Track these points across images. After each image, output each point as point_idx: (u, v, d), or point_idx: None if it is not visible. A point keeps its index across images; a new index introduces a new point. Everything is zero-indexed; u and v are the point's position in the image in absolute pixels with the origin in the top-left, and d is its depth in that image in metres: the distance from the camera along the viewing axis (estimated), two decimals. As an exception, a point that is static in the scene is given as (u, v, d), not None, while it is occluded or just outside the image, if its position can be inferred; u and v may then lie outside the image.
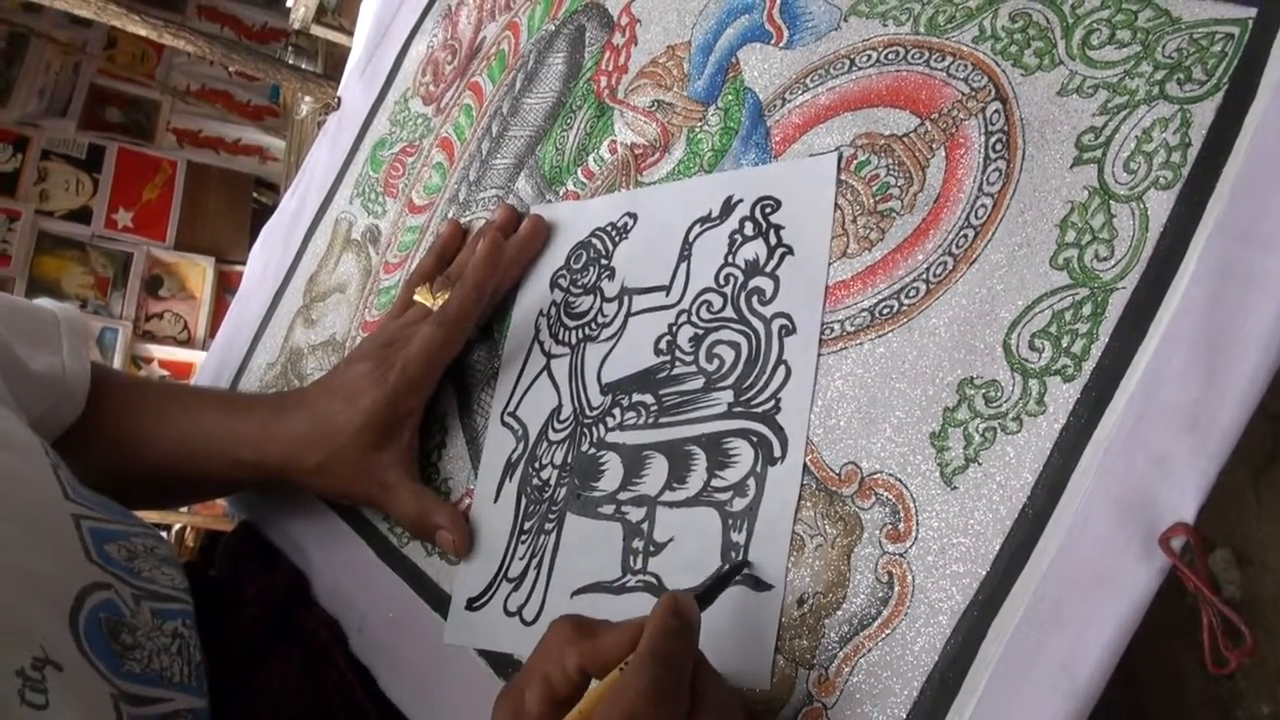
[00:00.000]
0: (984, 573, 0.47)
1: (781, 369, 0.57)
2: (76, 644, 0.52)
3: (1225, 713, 0.65)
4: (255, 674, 0.67)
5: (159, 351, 2.83)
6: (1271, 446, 0.69)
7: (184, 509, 2.69)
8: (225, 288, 2.94)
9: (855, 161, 0.58)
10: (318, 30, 2.32)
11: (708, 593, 0.52)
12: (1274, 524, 0.67)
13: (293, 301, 0.90)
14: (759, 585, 0.53)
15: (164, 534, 2.65)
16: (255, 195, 3.17)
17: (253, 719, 0.65)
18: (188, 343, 2.88)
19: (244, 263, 1.00)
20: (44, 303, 0.75)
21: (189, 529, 2.59)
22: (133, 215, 2.96)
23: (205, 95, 3.23)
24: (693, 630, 0.47)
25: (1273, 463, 0.68)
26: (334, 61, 2.79)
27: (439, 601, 0.68)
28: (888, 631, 0.49)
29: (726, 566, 0.55)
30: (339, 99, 0.98)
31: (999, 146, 0.54)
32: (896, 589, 0.49)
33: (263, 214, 3.01)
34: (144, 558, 0.63)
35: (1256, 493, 0.68)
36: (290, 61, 2.56)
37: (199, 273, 2.98)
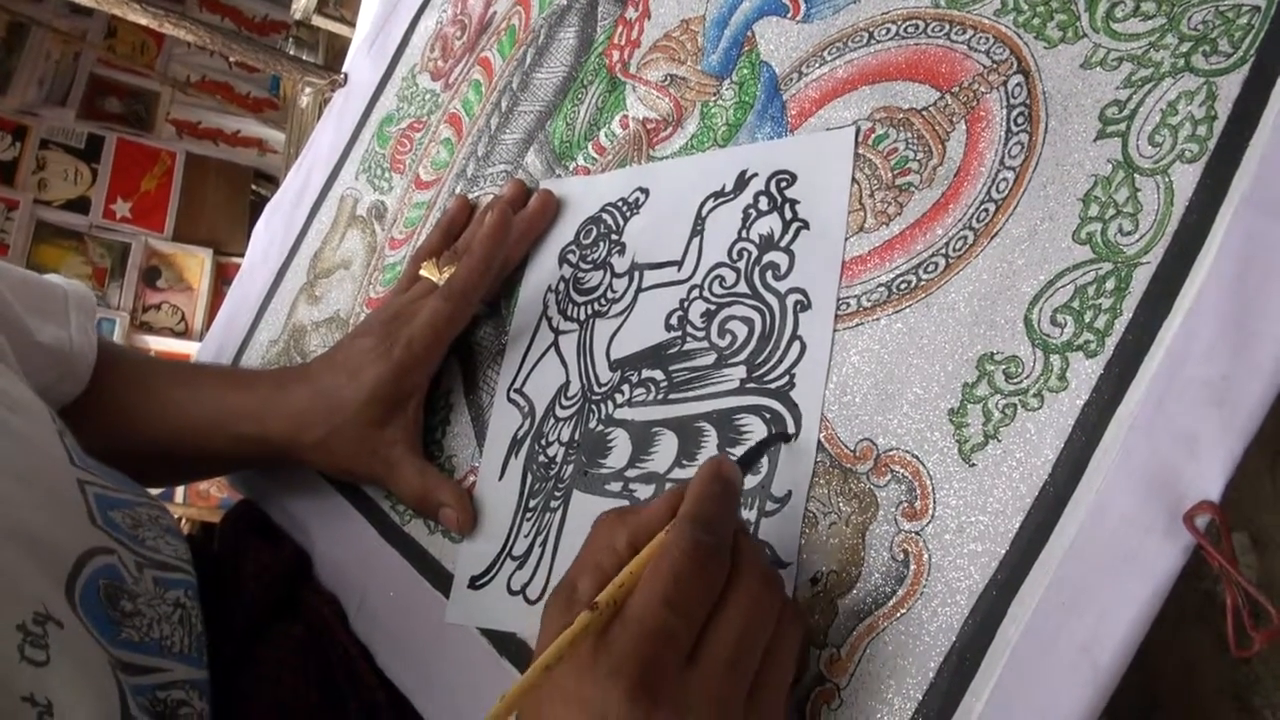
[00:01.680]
0: (1003, 552, 0.46)
1: (796, 345, 0.56)
2: (72, 609, 0.52)
3: (1240, 698, 0.64)
4: (256, 648, 0.66)
5: (156, 343, 2.82)
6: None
7: (179, 500, 2.69)
8: (223, 279, 2.93)
9: (873, 135, 0.57)
10: (319, 21, 2.31)
11: (748, 456, 0.51)
12: (1290, 511, 0.66)
13: (296, 278, 0.89)
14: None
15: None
16: (254, 187, 3.15)
17: (253, 692, 0.64)
18: (185, 334, 2.86)
19: (242, 255, 0.99)
20: (53, 278, 0.75)
21: (183, 520, 2.58)
22: (131, 205, 2.95)
23: (205, 86, 3.22)
24: (734, 493, 0.47)
25: (1291, 446, 0.67)
26: (335, 53, 2.77)
27: (441, 580, 0.67)
28: (903, 611, 0.48)
29: (770, 432, 0.55)
30: (345, 75, 0.97)
31: (1021, 120, 0.53)
32: (912, 568, 0.48)
33: (261, 206, 2.98)
34: (148, 526, 0.62)
35: (1274, 477, 0.67)
36: (291, 53, 2.54)
37: (197, 264, 2.96)
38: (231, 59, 3.10)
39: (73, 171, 2.92)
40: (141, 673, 0.54)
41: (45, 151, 2.90)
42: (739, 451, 0.55)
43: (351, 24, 2.10)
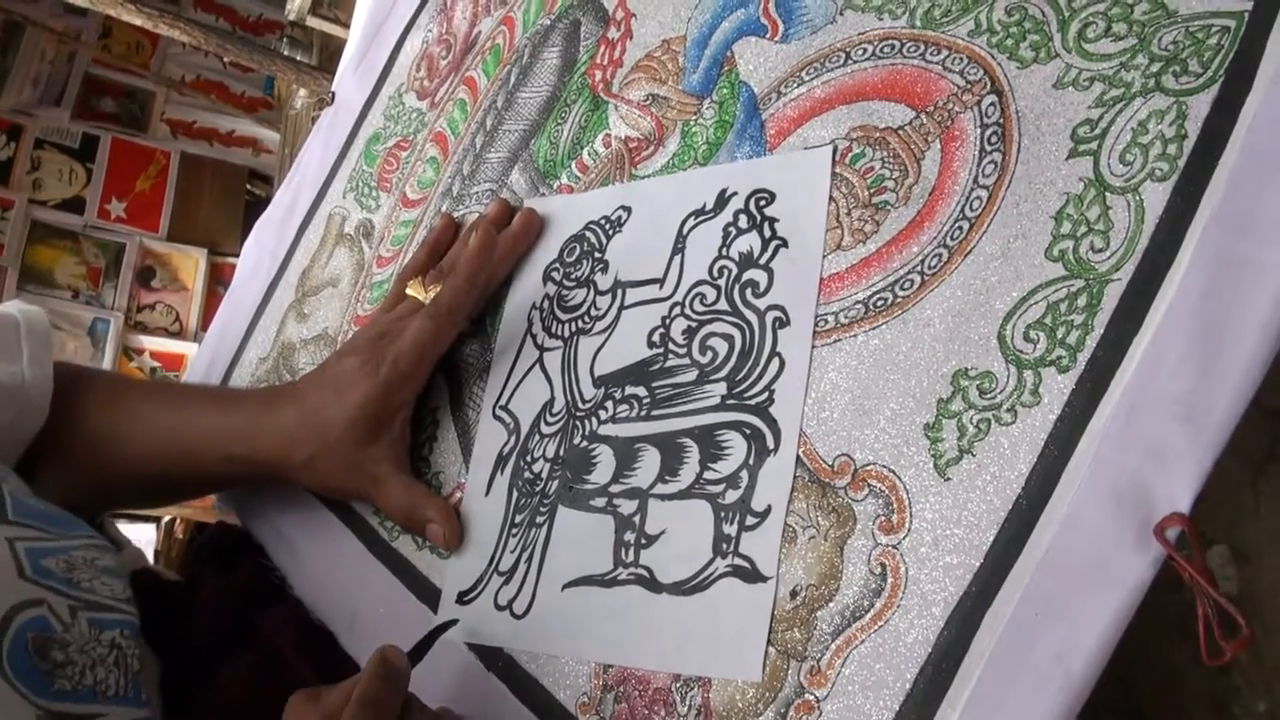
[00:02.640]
0: (977, 564, 0.47)
1: (775, 361, 0.56)
2: None
3: (1221, 709, 0.65)
4: (203, 682, 0.67)
5: (150, 343, 2.82)
6: (1270, 444, 0.68)
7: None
8: (217, 279, 2.93)
9: (850, 154, 0.58)
10: (313, 22, 2.32)
11: (417, 648, 0.59)
12: (1272, 521, 0.67)
13: (285, 296, 0.90)
14: (752, 575, 0.53)
15: (152, 526, 2.64)
16: (249, 187, 3.16)
17: None
18: (179, 334, 2.86)
19: (237, 255, 1.00)
20: (7, 307, 0.74)
21: (178, 520, 2.58)
22: (126, 205, 2.95)
23: (200, 86, 3.22)
24: (400, 677, 0.55)
25: (1271, 460, 0.68)
26: (329, 54, 2.78)
27: (429, 595, 0.67)
28: (881, 623, 0.49)
29: (437, 624, 0.62)
30: (333, 94, 0.97)
31: (994, 139, 0.53)
32: (890, 581, 0.49)
33: (256, 206, 3.00)
34: (84, 569, 0.62)
35: (1255, 490, 0.67)
36: (285, 53, 2.55)
37: (191, 264, 2.97)
38: (226, 59, 3.10)
39: (67, 171, 2.92)
40: None
41: (40, 151, 2.90)
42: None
43: (345, 25, 2.10)
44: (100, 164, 2.96)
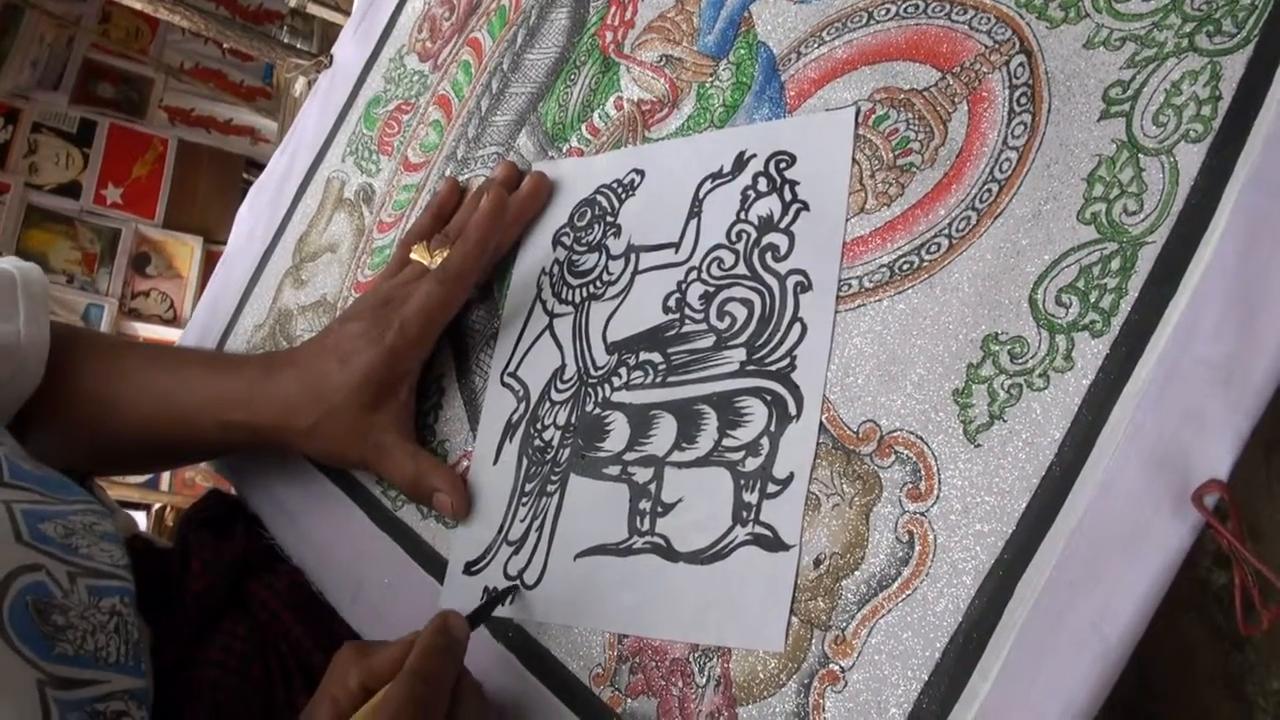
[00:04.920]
0: (1010, 531, 0.46)
1: (797, 326, 0.55)
2: (0, 631, 0.51)
3: (1233, 686, 0.65)
4: (197, 650, 0.66)
5: (144, 330, 2.80)
6: (1286, 423, 0.68)
7: (165, 489, 2.67)
8: (213, 268, 2.91)
9: (874, 116, 0.57)
10: (314, 9, 2.29)
11: (478, 613, 0.57)
12: (1284, 497, 0.67)
13: (281, 262, 0.88)
14: (773, 544, 0.52)
15: (142, 514, 2.63)
16: (245, 176, 3.14)
17: (194, 695, 0.63)
18: (174, 321, 2.85)
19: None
20: (4, 263, 0.72)
21: (168, 509, 2.56)
22: (122, 191, 2.93)
23: (199, 74, 3.19)
24: (457, 648, 0.53)
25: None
26: (329, 42, 2.75)
27: (435, 566, 0.66)
28: (908, 592, 0.48)
29: (499, 589, 0.60)
30: (331, 57, 0.95)
31: (1024, 100, 0.52)
32: (917, 549, 0.48)
33: (253, 196, 2.96)
34: (82, 534, 0.61)
35: (1269, 467, 0.67)
36: (285, 41, 2.52)
37: (187, 252, 2.95)
38: (225, 46, 3.07)
39: (64, 156, 2.90)
40: (79, 686, 0.54)
41: (37, 135, 2.88)
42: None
43: (346, 11, 2.08)
44: (97, 149, 2.94)
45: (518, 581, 0.60)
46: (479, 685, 0.55)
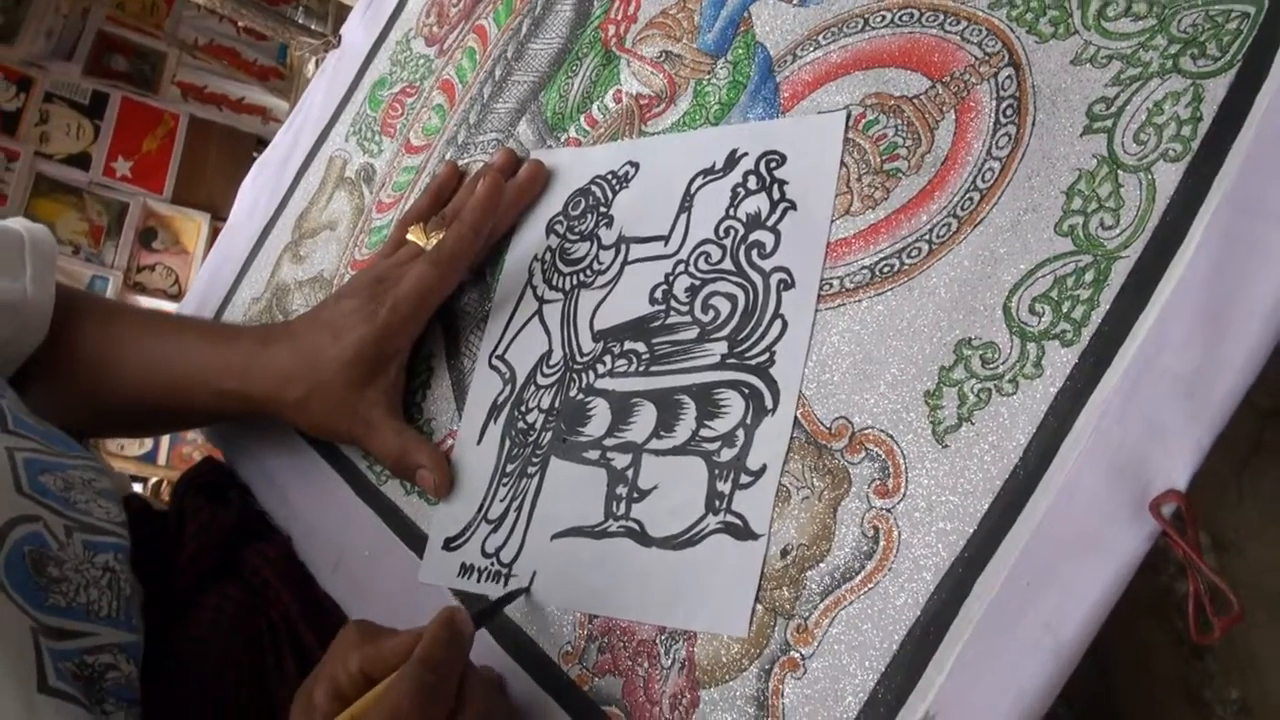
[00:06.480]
0: (971, 531, 0.47)
1: (778, 322, 0.57)
2: None
3: (1192, 693, 0.66)
4: (189, 611, 0.67)
5: (148, 304, 2.80)
6: (1256, 440, 0.69)
7: (162, 463, 2.68)
8: (219, 244, 2.92)
9: (864, 120, 0.58)
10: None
11: (484, 612, 0.57)
12: (1253, 514, 0.68)
13: (281, 237, 0.89)
14: (743, 533, 0.53)
15: (139, 486, 2.64)
16: (255, 155, 3.13)
17: (182, 654, 0.64)
18: (178, 297, 2.85)
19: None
20: (12, 222, 0.73)
21: (164, 483, 2.57)
22: (132, 165, 2.93)
23: (212, 51, 3.19)
24: (462, 642, 0.52)
25: (1256, 455, 0.68)
26: (343, 25, 2.77)
27: (415, 540, 0.67)
28: (870, 586, 0.49)
29: (509, 590, 0.60)
30: (339, 37, 0.97)
31: (1010, 112, 0.53)
32: (882, 544, 0.49)
33: (263, 176, 2.97)
34: (80, 489, 0.62)
35: (1239, 483, 0.68)
36: (300, 21, 2.53)
37: (194, 228, 2.95)
38: (240, 24, 3.07)
39: (75, 127, 2.89)
40: (69, 637, 0.55)
41: (49, 105, 2.87)
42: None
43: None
44: (109, 121, 2.93)
45: (528, 588, 0.60)
46: (494, 681, 0.57)
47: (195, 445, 2.67)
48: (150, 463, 2.69)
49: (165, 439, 2.70)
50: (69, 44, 2.97)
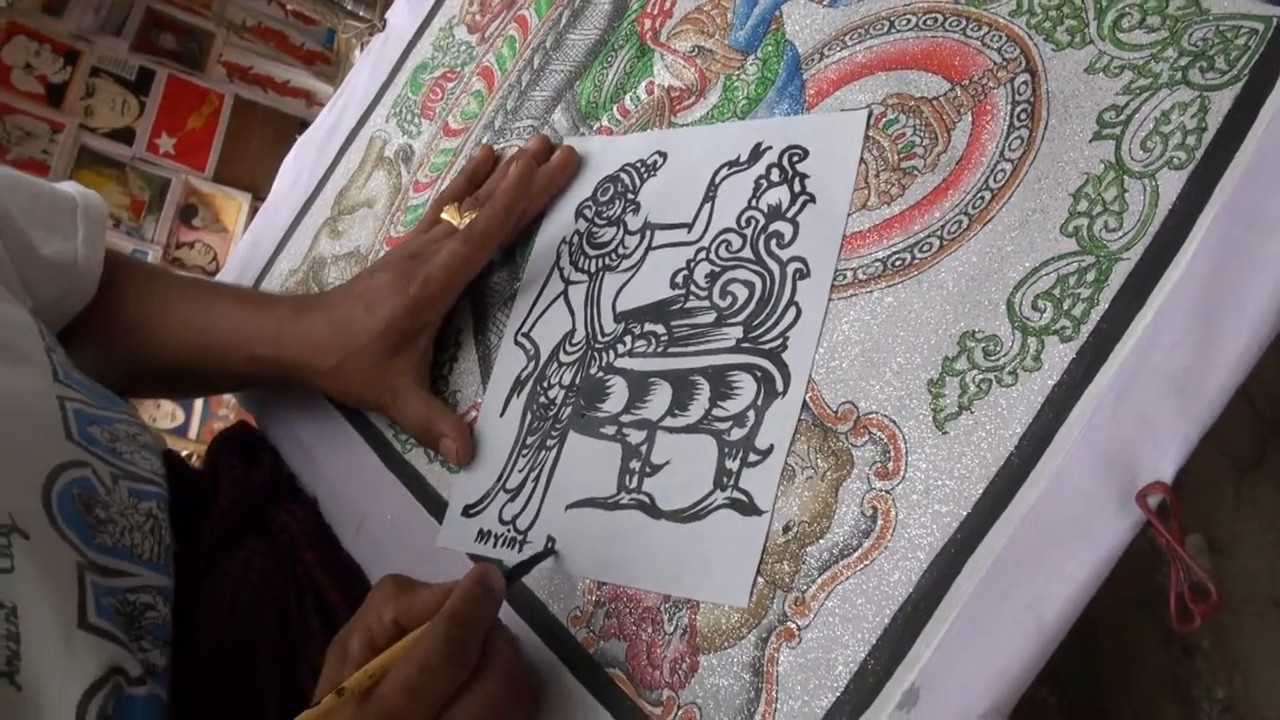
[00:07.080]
0: (965, 514, 0.49)
1: (792, 309, 0.59)
2: (48, 514, 0.55)
3: (1181, 690, 0.68)
4: (219, 562, 0.69)
5: (187, 277, 2.84)
6: (1258, 449, 0.71)
7: (193, 437, 2.72)
8: (259, 226, 2.96)
9: (884, 119, 0.60)
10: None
11: (516, 570, 0.59)
12: (1249, 521, 0.69)
13: (320, 212, 0.92)
14: (748, 509, 0.55)
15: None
16: (297, 137, 3.16)
17: (211, 605, 0.67)
18: (215, 274, 2.88)
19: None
20: (67, 186, 0.76)
21: (194, 457, 2.61)
22: (175, 142, 2.96)
23: (260, 33, 3.22)
24: (493, 599, 0.54)
25: (1257, 465, 0.70)
26: (389, 10, 2.79)
27: (436, 507, 0.70)
28: (866, 562, 0.51)
29: (541, 549, 0.62)
30: (384, 22, 0.99)
31: (1024, 116, 0.55)
32: (879, 523, 0.51)
33: (306, 159, 2.99)
34: (125, 441, 0.65)
35: (1237, 490, 0.70)
36: (349, 7, 2.56)
37: (234, 207, 2.98)
38: (289, 7, 3.10)
39: (120, 102, 2.92)
40: (113, 575, 0.58)
41: (95, 79, 2.91)
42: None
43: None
44: (154, 98, 2.97)
45: (555, 549, 0.62)
46: (515, 639, 0.58)
47: (225, 421, 2.71)
48: (181, 436, 2.74)
49: (197, 414, 2.73)
50: (118, 20, 3.00)
